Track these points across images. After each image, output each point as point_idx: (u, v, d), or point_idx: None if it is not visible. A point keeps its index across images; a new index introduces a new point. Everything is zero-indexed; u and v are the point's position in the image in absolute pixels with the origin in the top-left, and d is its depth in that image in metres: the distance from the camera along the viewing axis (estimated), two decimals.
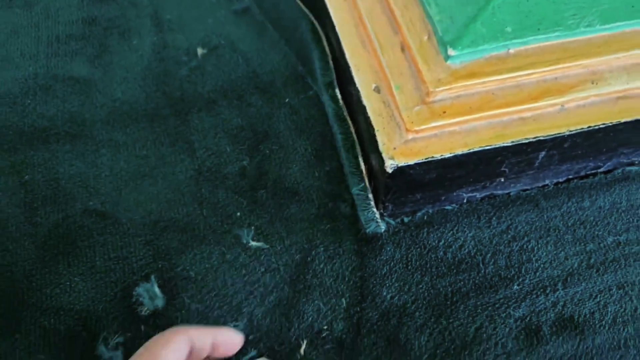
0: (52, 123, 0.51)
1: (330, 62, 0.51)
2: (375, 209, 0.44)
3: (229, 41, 0.56)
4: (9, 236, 0.45)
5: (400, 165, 0.40)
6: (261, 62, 0.55)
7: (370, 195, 0.44)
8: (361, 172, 0.45)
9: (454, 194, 0.45)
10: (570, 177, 0.48)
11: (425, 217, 0.46)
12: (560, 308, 0.42)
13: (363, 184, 0.44)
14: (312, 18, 0.53)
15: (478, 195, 0.47)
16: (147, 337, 0.40)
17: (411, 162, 0.40)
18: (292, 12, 0.55)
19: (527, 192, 0.48)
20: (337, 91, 0.49)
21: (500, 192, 0.47)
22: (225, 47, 0.56)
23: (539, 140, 0.41)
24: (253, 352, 0.40)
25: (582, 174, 0.48)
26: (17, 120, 0.51)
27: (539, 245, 0.45)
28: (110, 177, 0.48)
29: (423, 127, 0.40)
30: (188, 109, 0.52)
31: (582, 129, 0.42)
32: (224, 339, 0.34)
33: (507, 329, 0.41)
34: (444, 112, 0.40)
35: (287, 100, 0.52)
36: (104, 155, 0.49)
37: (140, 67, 0.55)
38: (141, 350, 0.31)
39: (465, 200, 0.47)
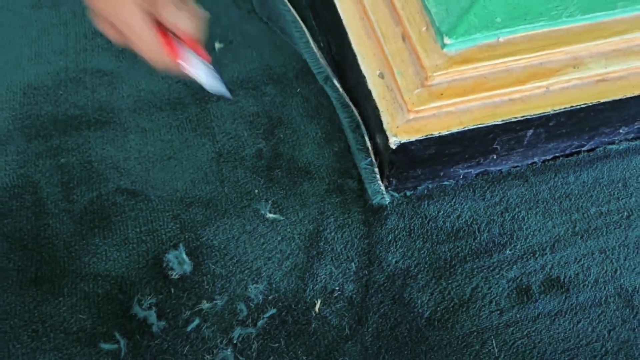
0: (84, 111, 0.56)
1: (321, 59, 0.56)
2: (380, 182, 0.49)
3: (244, 37, 0.61)
4: (49, 212, 0.50)
5: (403, 141, 0.44)
6: (274, 56, 0.60)
7: (377, 170, 0.49)
8: (367, 148, 0.49)
9: (451, 170, 0.50)
10: (557, 155, 0.53)
11: (425, 191, 0.51)
12: (548, 270, 0.47)
13: (370, 159, 0.49)
14: (297, 17, 0.58)
15: (473, 171, 0.52)
16: (177, 298, 0.45)
17: (412, 138, 0.45)
18: (281, 14, 0.59)
19: (518, 168, 0.53)
20: (335, 81, 0.54)
21: (493, 168, 0.52)
22: (240, 42, 0.61)
23: (527, 118, 0.46)
24: (273, 310, 0.45)
25: (568, 152, 0.53)
26: (51, 109, 0.56)
27: (529, 215, 0.50)
28: (139, 159, 0.53)
29: (423, 107, 0.45)
30: (208, 98, 0.57)
31: (566, 108, 0.46)
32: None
33: (501, 289, 0.46)
34: (442, 94, 0.45)
35: (298, 90, 0.57)
36: (132, 140, 0.54)
37: None
38: None
39: (461, 176, 0.52)
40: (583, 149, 0.53)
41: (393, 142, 0.44)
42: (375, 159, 0.50)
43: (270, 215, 0.49)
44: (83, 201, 0.51)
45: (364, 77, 0.48)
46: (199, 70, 0.40)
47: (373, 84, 0.48)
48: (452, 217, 0.50)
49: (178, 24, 0.39)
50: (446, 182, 0.52)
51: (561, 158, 0.53)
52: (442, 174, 0.50)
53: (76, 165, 0.53)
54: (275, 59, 0.59)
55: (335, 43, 0.58)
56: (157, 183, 0.52)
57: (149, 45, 0.38)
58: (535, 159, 0.53)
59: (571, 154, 0.53)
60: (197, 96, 0.57)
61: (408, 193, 0.51)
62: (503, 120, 0.46)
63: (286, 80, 0.58)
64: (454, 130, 0.45)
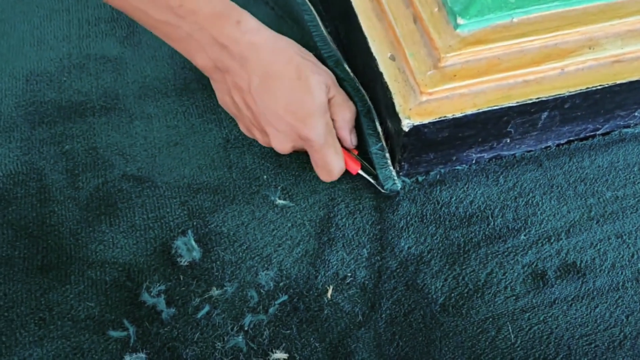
0: (88, 98, 0.55)
1: (331, 43, 0.54)
2: (392, 167, 0.48)
3: None
4: (54, 199, 0.49)
5: (415, 124, 0.43)
6: None
7: (388, 155, 0.48)
8: (378, 133, 0.49)
9: (464, 154, 0.49)
10: (571, 139, 0.52)
11: (438, 177, 0.50)
12: (564, 255, 0.46)
13: (381, 144, 0.48)
14: (311, 7, 0.57)
15: (486, 155, 0.51)
16: (186, 285, 0.44)
17: (425, 121, 0.44)
18: (293, 4, 0.58)
19: (531, 153, 0.52)
20: (346, 66, 0.53)
21: (506, 153, 0.51)
22: None
23: (542, 100, 0.45)
24: (285, 297, 0.44)
25: (582, 135, 0.52)
26: (55, 96, 0.55)
27: (543, 200, 0.49)
28: (145, 145, 0.52)
29: (436, 89, 0.44)
30: None
31: (581, 90, 0.45)
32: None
33: (516, 274, 0.45)
34: (455, 76, 0.44)
35: None
36: (138, 126, 0.53)
37: (167, 46, 0.59)
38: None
39: (474, 161, 0.51)
40: (598, 132, 0.52)
41: (406, 124, 0.43)
42: (386, 144, 0.49)
43: (280, 202, 0.48)
44: (89, 188, 0.50)
45: (374, 60, 0.47)
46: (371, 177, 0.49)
47: (384, 66, 0.47)
48: (464, 202, 0.49)
49: (349, 140, 0.49)
50: (459, 167, 0.51)
51: (576, 142, 0.52)
52: (454, 158, 0.49)
53: (81, 151, 0.52)
54: None
55: (344, 28, 0.57)
56: (163, 169, 0.51)
57: (336, 158, 0.46)
58: (550, 143, 0.52)
59: (586, 138, 0.52)
60: (203, 82, 0.56)
61: (420, 179, 0.50)
62: (517, 102, 0.45)
63: None
64: (468, 112, 0.44)
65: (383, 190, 0.48)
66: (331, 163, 0.46)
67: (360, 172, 0.49)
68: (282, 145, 0.45)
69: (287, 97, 0.42)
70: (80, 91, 0.56)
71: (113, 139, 0.52)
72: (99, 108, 0.54)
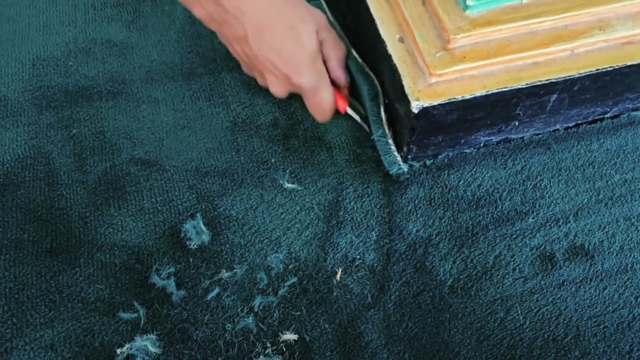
0: (95, 82, 0.55)
1: (337, 26, 0.54)
2: (396, 153, 0.48)
3: None
4: (62, 183, 0.49)
5: (425, 106, 0.43)
6: None
7: (391, 141, 0.47)
8: (381, 119, 0.48)
9: (472, 137, 0.49)
10: (580, 122, 0.52)
11: (445, 160, 0.50)
12: (572, 238, 0.46)
13: (382, 130, 0.48)
14: None
15: (494, 139, 0.51)
16: (196, 267, 0.44)
17: (435, 102, 0.43)
18: None
19: (540, 136, 0.52)
20: (353, 51, 0.53)
21: (514, 136, 0.51)
22: None
23: (551, 82, 0.45)
24: (294, 279, 0.44)
25: (590, 119, 0.52)
26: (62, 80, 0.55)
27: (552, 184, 0.49)
28: (152, 129, 0.52)
29: (445, 71, 0.44)
30: (221, 68, 0.56)
31: (591, 71, 0.45)
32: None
33: (524, 257, 0.45)
34: (464, 57, 0.44)
35: None
36: (145, 110, 0.53)
37: (173, 31, 0.58)
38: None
39: (482, 144, 0.51)
40: (606, 115, 0.52)
41: (415, 106, 0.43)
42: (389, 129, 0.48)
43: (289, 185, 0.48)
44: (97, 171, 0.50)
45: (383, 42, 0.47)
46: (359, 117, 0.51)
47: (393, 48, 0.47)
48: (472, 186, 0.49)
49: (343, 78, 0.51)
50: (467, 150, 0.51)
51: (584, 125, 0.52)
52: (462, 141, 0.49)
53: (88, 135, 0.52)
54: None
55: (351, 11, 0.57)
56: (171, 153, 0.51)
57: (328, 99, 0.48)
58: (558, 126, 0.52)
59: (594, 121, 0.52)
60: (210, 66, 0.56)
61: (428, 162, 0.50)
62: (527, 84, 0.44)
63: None
64: (477, 94, 0.44)
65: (368, 130, 0.50)
66: (324, 105, 0.48)
67: (349, 110, 0.50)
68: (279, 90, 0.49)
69: (279, 47, 0.45)
70: (87, 76, 0.55)
71: (120, 123, 0.52)
72: (105, 92, 0.54)
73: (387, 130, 0.49)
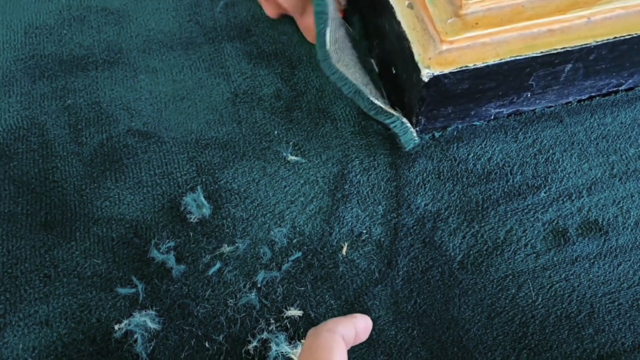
0: (90, 51, 0.53)
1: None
2: (412, 129, 0.46)
3: None
4: (57, 155, 0.47)
5: (435, 74, 0.41)
6: None
7: (405, 119, 0.45)
8: (385, 103, 0.46)
9: (483, 108, 0.47)
10: (593, 94, 0.50)
11: (455, 133, 0.48)
12: (585, 213, 0.45)
13: (389, 115, 0.45)
14: None
15: (505, 111, 0.49)
16: (196, 242, 0.42)
17: (446, 70, 0.42)
18: None
19: (552, 108, 0.50)
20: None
21: (526, 108, 0.49)
22: None
23: (567, 51, 0.43)
24: (298, 254, 0.43)
25: (605, 91, 0.50)
26: (55, 49, 0.53)
27: (564, 157, 0.47)
28: (150, 99, 0.50)
29: (457, 37, 0.42)
30: (221, 37, 0.54)
31: (608, 40, 0.43)
32: (362, 327, 0.35)
33: (536, 232, 0.44)
34: (477, 24, 0.42)
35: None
36: (143, 80, 0.51)
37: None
38: (305, 355, 0.32)
39: (492, 117, 0.49)
40: (621, 87, 0.50)
41: (425, 74, 0.41)
42: (397, 107, 0.46)
43: (292, 158, 0.47)
44: (93, 143, 0.48)
45: (391, 8, 0.45)
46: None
47: (402, 15, 0.44)
48: (482, 159, 0.47)
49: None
50: (477, 123, 0.49)
51: (597, 98, 0.50)
52: (473, 113, 0.48)
53: (84, 106, 0.50)
54: None
55: None
56: (170, 124, 0.49)
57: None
58: (571, 99, 0.50)
59: (608, 94, 0.50)
60: (209, 35, 0.54)
61: (437, 135, 0.48)
62: (542, 52, 0.42)
63: None
64: (490, 62, 0.42)
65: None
66: (312, 27, 0.48)
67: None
68: (269, 11, 0.53)
69: None
70: (82, 44, 0.53)
71: (117, 94, 0.50)
72: (101, 62, 0.52)
73: (393, 111, 0.46)
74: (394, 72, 0.48)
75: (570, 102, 0.50)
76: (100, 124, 0.49)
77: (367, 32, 0.54)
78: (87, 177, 0.46)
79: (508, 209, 0.45)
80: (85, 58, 0.52)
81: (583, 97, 0.50)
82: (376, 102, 0.46)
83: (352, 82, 0.46)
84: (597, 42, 0.43)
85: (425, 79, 0.42)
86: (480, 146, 0.48)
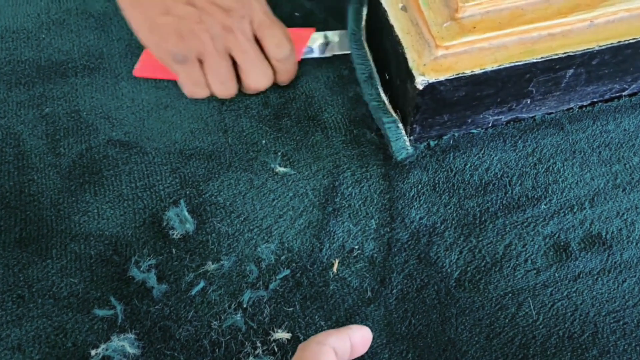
0: (69, 57, 0.50)
1: None
2: (406, 137, 0.44)
3: None
4: (33, 167, 0.45)
5: (431, 81, 0.39)
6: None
7: (401, 125, 0.43)
8: (383, 102, 0.44)
9: (480, 116, 0.45)
10: (595, 100, 0.48)
11: (451, 141, 0.46)
12: (588, 225, 0.43)
13: (393, 118, 0.44)
14: None
15: (503, 118, 0.47)
16: (179, 259, 0.40)
17: (442, 78, 0.39)
18: None
19: (552, 115, 0.48)
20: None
21: (525, 115, 0.47)
22: None
23: (568, 55, 0.41)
24: (287, 271, 0.40)
25: (607, 97, 0.48)
26: (33, 54, 0.51)
27: (565, 167, 0.45)
28: (132, 107, 0.48)
29: (453, 42, 0.39)
30: None
31: (612, 44, 0.41)
32: (358, 340, 0.32)
33: (536, 246, 0.42)
34: (474, 28, 0.40)
35: None
36: (125, 88, 0.49)
37: None
38: None
39: (490, 124, 0.47)
40: (624, 93, 0.48)
41: (420, 82, 0.39)
42: (396, 111, 0.44)
43: (281, 169, 0.44)
44: (71, 154, 0.45)
45: (384, 11, 0.43)
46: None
47: (395, 18, 0.42)
48: (480, 169, 0.45)
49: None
50: (474, 131, 0.47)
51: (600, 104, 0.48)
52: (470, 120, 0.45)
53: (62, 115, 0.47)
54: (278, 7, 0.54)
55: None
56: (153, 134, 0.46)
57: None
58: (572, 105, 0.48)
59: (611, 99, 0.48)
60: None
61: (432, 143, 0.46)
62: (542, 57, 0.40)
63: (292, 21, 0.52)
64: (488, 68, 0.40)
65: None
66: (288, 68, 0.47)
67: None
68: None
69: None
70: (61, 50, 0.51)
71: (97, 102, 0.48)
72: (81, 68, 0.50)
73: (393, 113, 0.44)
74: (387, 77, 0.46)
75: (571, 108, 0.48)
76: (80, 134, 0.46)
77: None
78: (64, 191, 0.44)
79: (507, 222, 0.43)
80: (65, 64, 0.50)
81: (585, 103, 0.48)
82: (383, 95, 0.45)
83: (371, 65, 0.46)
84: (600, 46, 0.41)
85: (420, 87, 0.39)
86: (477, 156, 0.46)
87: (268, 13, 0.45)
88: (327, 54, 0.49)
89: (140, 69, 0.48)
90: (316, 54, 0.49)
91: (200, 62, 0.44)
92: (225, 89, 0.45)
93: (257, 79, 0.45)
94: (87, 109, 0.48)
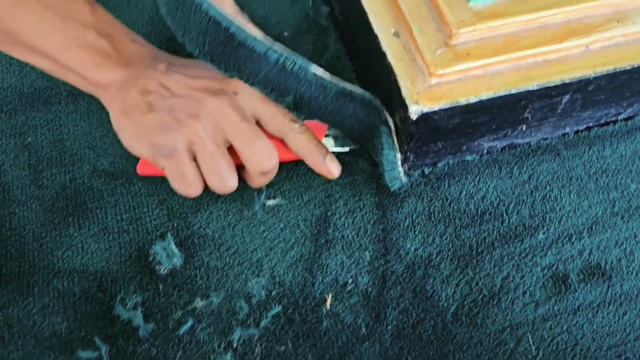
0: (53, 83, 0.49)
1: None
2: (401, 168, 0.42)
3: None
4: (15, 199, 0.43)
5: (425, 111, 0.38)
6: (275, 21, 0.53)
7: (399, 155, 0.42)
8: (389, 128, 0.43)
9: (475, 143, 0.44)
10: (591, 125, 0.47)
11: (446, 169, 0.45)
12: (587, 256, 0.42)
13: (394, 152, 0.42)
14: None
15: (499, 144, 0.46)
16: (166, 296, 0.39)
17: (436, 107, 0.38)
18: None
19: (548, 141, 0.47)
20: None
21: (520, 141, 0.46)
22: None
23: (564, 83, 0.40)
24: (278, 308, 0.39)
25: (603, 121, 0.47)
26: (15, 81, 0.49)
27: (562, 195, 0.44)
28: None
29: (447, 70, 0.38)
30: None
31: (609, 70, 0.40)
32: None
33: (535, 278, 0.41)
34: (468, 55, 0.39)
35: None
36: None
37: (141, 24, 0.53)
38: None
39: (485, 151, 0.46)
40: (620, 117, 0.47)
41: (414, 111, 0.38)
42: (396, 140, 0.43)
43: (271, 202, 0.43)
44: (54, 186, 0.44)
45: (376, 37, 0.42)
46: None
47: (387, 44, 0.41)
48: (476, 198, 0.44)
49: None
50: (469, 157, 0.46)
51: (595, 128, 0.47)
52: (464, 148, 0.44)
53: (45, 144, 0.46)
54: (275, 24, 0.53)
55: (338, 1, 0.51)
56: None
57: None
58: (567, 130, 0.47)
59: (607, 123, 0.48)
60: None
61: (426, 171, 0.45)
62: (538, 85, 0.39)
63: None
64: (483, 97, 0.39)
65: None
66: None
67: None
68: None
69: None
70: (44, 76, 0.49)
71: (82, 130, 0.47)
72: (65, 95, 0.48)
73: (395, 142, 0.42)
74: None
75: (567, 133, 0.47)
76: (64, 164, 0.45)
77: (350, 56, 0.51)
78: (47, 224, 0.42)
79: (504, 253, 0.42)
80: (48, 90, 0.49)
81: (580, 128, 0.47)
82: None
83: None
84: (596, 73, 0.40)
85: (414, 117, 0.38)
86: (472, 183, 0.45)
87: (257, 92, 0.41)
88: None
89: (142, 166, 0.43)
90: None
91: (193, 154, 0.40)
92: (222, 181, 0.40)
93: (261, 160, 0.40)
94: (72, 138, 0.46)
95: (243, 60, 0.39)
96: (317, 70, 0.39)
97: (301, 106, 0.40)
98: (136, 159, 0.45)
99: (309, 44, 0.51)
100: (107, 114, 0.47)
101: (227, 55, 0.39)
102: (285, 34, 0.52)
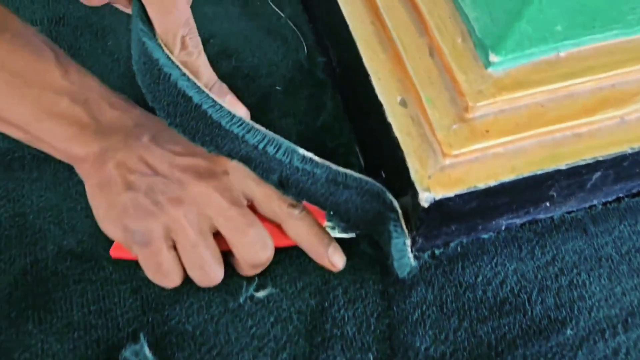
0: (16, 145, 0.43)
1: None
2: (410, 255, 0.37)
3: (218, 40, 0.49)
4: None
5: (437, 198, 0.33)
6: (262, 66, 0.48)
7: (408, 241, 0.36)
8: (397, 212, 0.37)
9: (493, 222, 0.39)
10: (621, 195, 0.42)
11: (459, 249, 0.40)
12: (623, 357, 0.36)
13: (403, 239, 0.36)
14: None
15: (518, 221, 0.40)
16: None
17: (450, 193, 0.33)
18: None
19: (573, 214, 0.42)
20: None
21: (542, 216, 0.41)
22: (215, 45, 0.48)
23: (597, 161, 0.35)
24: None
25: (635, 191, 0.42)
26: None
27: (591, 279, 0.39)
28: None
29: (463, 150, 0.33)
30: None
31: None
32: None
33: None
34: (487, 131, 0.34)
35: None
36: (79, 184, 0.41)
37: (117, 74, 0.47)
38: None
39: (503, 228, 0.41)
40: None
41: (425, 198, 0.33)
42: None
43: (260, 293, 0.38)
44: (13, 271, 0.38)
45: (380, 105, 0.36)
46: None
47: (393, 114, 0.36)
48: (494, 283, 0.39)
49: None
50: (484, 235, 0.40)
51: (626, 199, 0.42)
52: (480, 227, 0.39)
53: (4, 219, 0.40)
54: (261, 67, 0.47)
55: (336, 51, 0.46)
56: (110, 243, 0.39)
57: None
58: (595, 202, 0.42)
59: (638, 194, 0.42)
60: None
61: (437, 252, 0.40)
62: (567, 165, 0.34)
63: (275, 96, 0.46)
64: (505, 179, 0.34)
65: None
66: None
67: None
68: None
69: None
70: (7, 137, 0.44)
71: (47, 202, 0.41)
72: (29, 159, 0.43)
73: (404, 227, 0.37)
74: (383, 176, 0.40)
75: (594, 205, 0.42)
76: (24, 244, 0.39)
77: (350, 115, 0.46)
78: (2, 319, 0.37)
79: (528, 353, 0.36)
80: (10, 153, 0.43)
81: (609, 199, 0.42)
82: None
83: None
84: (633, 149, 0.35)
85: (425, 204, 0.33)
86: (489, 266, 0.39)
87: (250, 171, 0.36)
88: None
89: (116, 250, 0.38)
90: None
91: (173, 242, 0.36)
92: (205, 275, 0.35)
93: (254, 252, 0.36)
94: (35, 212, 0.41)
95: (220, 138, 0.34)
96: (304, 154, 0.33)
97: (288, 186, 0.35)
98: (108, 238, 0.40)
99: (302, 100, 0.46)
100: (76, 182, 0.42)
101: (200, 131, 0.34)
102: (277, 87, 0.46)
